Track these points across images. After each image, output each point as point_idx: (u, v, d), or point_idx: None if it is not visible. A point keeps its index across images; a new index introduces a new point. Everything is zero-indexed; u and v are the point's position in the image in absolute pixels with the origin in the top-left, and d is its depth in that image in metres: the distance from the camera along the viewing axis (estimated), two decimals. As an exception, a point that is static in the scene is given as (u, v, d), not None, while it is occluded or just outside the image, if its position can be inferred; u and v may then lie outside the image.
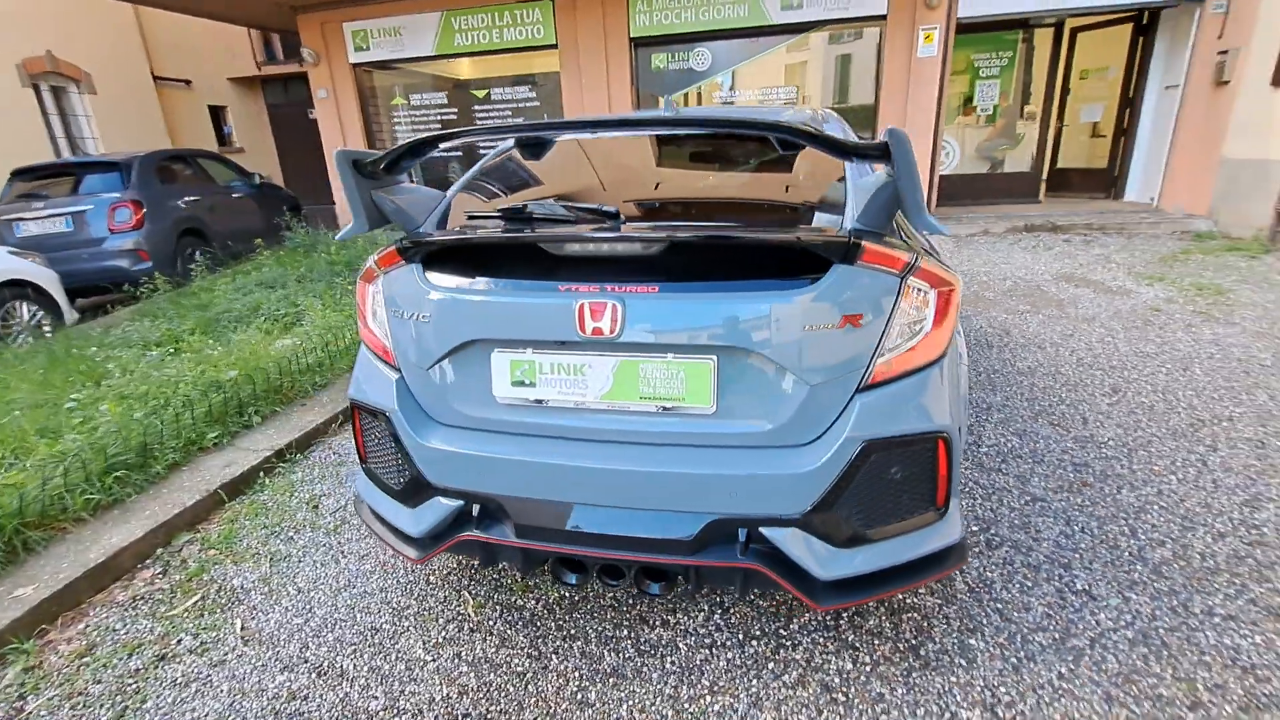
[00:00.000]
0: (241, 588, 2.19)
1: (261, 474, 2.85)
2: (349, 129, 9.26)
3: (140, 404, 2.98)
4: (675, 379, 1.55)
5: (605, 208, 1.69)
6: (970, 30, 8.04)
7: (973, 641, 1.82)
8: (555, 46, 8.28)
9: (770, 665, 1.78)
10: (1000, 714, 1.60)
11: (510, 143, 2.45)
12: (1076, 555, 2.14)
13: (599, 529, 1.61)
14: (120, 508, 2.46)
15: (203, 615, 2.07)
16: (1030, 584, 2.03)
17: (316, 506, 2.65)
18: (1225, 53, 7.08)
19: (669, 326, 1.52)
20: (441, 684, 1.78)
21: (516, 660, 1.84)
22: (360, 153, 1.70)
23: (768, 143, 2.14)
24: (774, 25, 7.86)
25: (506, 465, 1.65)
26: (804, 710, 1.64)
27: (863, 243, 1.49)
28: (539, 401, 1.65)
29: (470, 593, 2.12)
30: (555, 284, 1.59)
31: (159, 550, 2.37)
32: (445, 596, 2.11)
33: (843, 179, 1.90)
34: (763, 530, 1.54)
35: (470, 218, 1.90)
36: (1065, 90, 9.19)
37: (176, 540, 2.43)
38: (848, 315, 1.49)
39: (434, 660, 1.86)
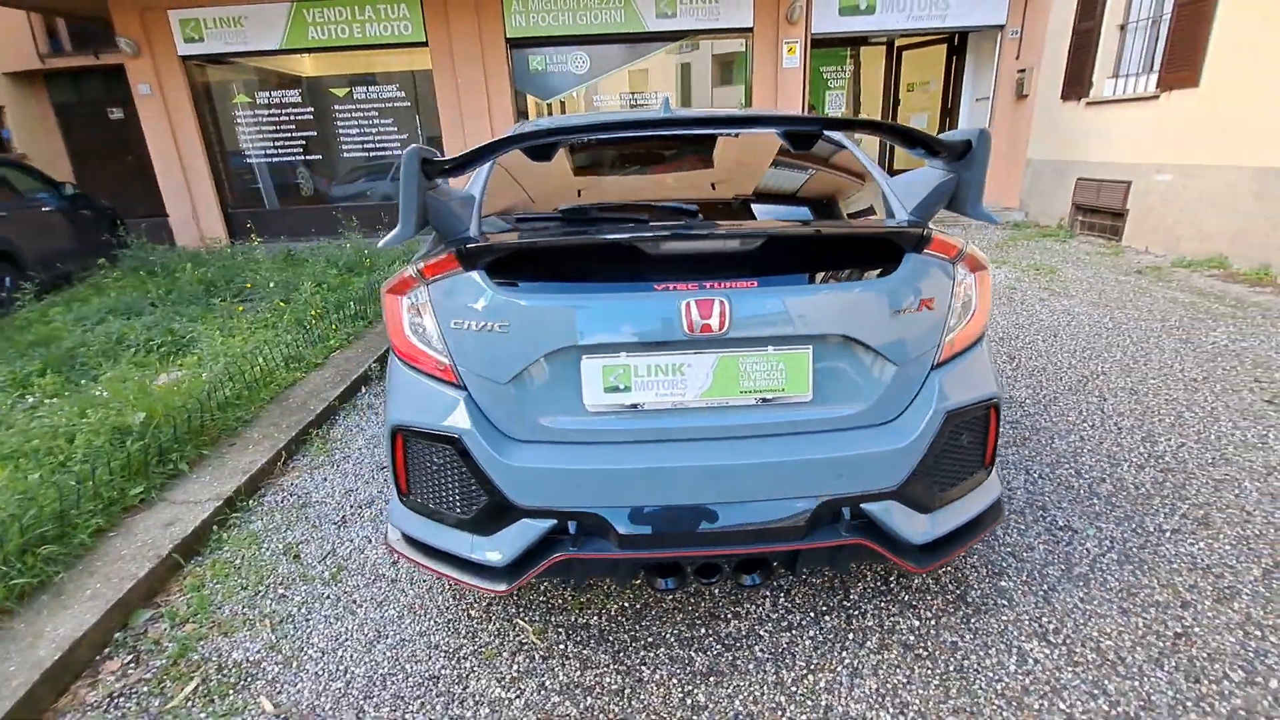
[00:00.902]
0: (249, 661, 1.87)
1: (215, 528, 2.44)
2: (181, 130, 8.08)
3: (34, 464, 2.40)
4: (775, 370, 1.59)
5: (685, 205, 1.68)
6: (819, 45, 8.85)
7: (1004, 583, 2.06)
8: (425, 44, 7.86)
9: (850, 636, 1.88)
10: (1052, 640, 1.83)
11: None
12: (1046, 498, 2.49)
13: (713, 526, 1.61)
14: (50, 590, 1.98)
15: (214, 701, 1.74)
16: (1023, 527, 2.32)
17: (298, 556, 2.32)
18: (1024, 71, 8.47)
19: (770, 320, 1.56)
20: (537, 719, 1.66)
21: (608, 679, 1.77)
22: (429, 150, 1.54)
23: (780, 141, 2.23)
24: (650, 32, 8.10)
25: (607, 476, 1.58)
26: (899, 670, 1.75)
27: (933, 233, 1.63)
28: (634, 406, 1.61)
29: (525, 619, 1.99)
30: (650, 284, 1.55)
31: (116, 635, 1.95)
32: (497, 629, 1.96)
33: (860, 175, 2.05)
34: (864, 506, 1.63)
35: (521, 220, 1.78)
36: (896, 100, 10.44)
37: (136, 620, 2.01)
38: (924, 299, 1.63)
39: (518, 696, 1.73)
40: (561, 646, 1.89)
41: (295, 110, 8.34)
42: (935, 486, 1.68)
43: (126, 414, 2.74)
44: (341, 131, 8.39)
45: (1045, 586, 2.03)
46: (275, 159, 8.52)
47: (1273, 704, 1.60)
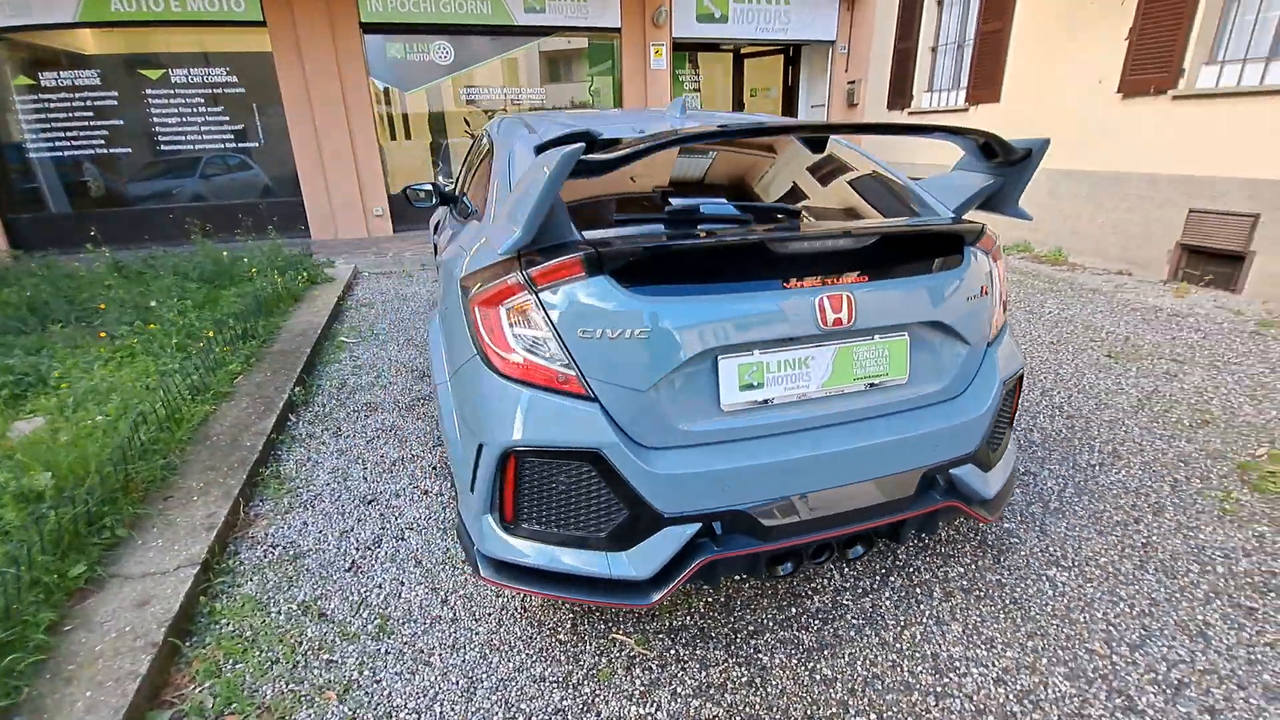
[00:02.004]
0: (331, 740, 1.61)
1: (201, 599, 2.02)
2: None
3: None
4: (881, 357, 1.73)
5: (787, 206, 1.74)
6: (677, 50, 9.26)
7: (1008, 525, 2.41)
8: (263, 24, 6.92)
9: (918, 590, 2.09)
10: (1066, 565, 2.19)
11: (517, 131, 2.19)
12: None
13: (840, 508, 1.70)
14: (25, 710, 1.52)
15: (317, 793, 1.47)
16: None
17: (323, 614, 2.01)
18: (854, 82, 9.58)
19: (881, 310, 1.69)
20: (687, 725, 1.64)
21: (734, 673, 1.80)
22: (592, 134, 1.43)
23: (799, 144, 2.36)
24: (518, 26, 7.89)
25: (749, 472, 1.60)
26: (969, 613, 1.99)
27: (986, 228, 1.87)
28: (765, 401, 1.65)
29: (620, 632, 1.93)
30: (777, 281, 1.60)
31: (136, 749, 1.55)
32: (596, 648, 1.89)
33: (884, 177, 2.25)
34: (952, 471, 1.83)
35: (618, 221, 1.72)
36: (741, 104, 11.25)
37: (154, 725, 1.62)
38: (983, 285, 1.86)
39: (656, 709, 1.69)
40: (671, 652, 1.87)
41: (95, 95, 6.88)
42: (992, 447, 1.94)
43: (27, 477, 2.15)
44: (157, 121, 7.09)
45: (1038, 523, 2.41)
46: (71, 153, 6.96)
47: (1230, 582, 2.08)
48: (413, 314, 5.25)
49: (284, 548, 2.33)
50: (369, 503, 2.61)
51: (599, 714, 1.68)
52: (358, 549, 2.32)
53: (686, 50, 9.70)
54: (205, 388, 3.32)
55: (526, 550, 1.66)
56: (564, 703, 1.71)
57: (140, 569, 2.06)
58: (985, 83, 7.28)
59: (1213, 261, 5.33)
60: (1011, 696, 1.71)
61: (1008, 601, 2.04)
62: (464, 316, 1.76)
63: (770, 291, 1.60)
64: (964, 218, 1.97)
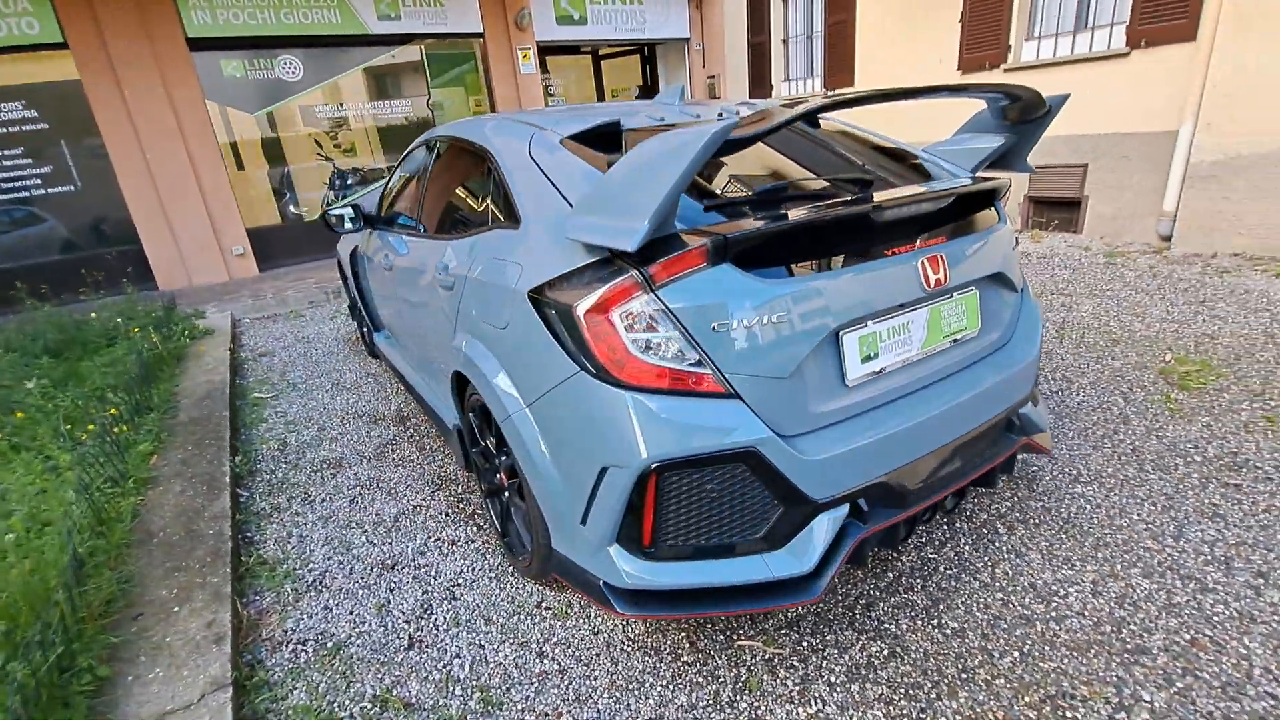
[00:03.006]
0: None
1: (250, 725, 1.64)
2: None
3: None
4: (961, 313, 1.80)
5: (861, 176, 1.74)
6: (541, 53, 9.11)
7: (1037, 463, 2.62)
8: (65, 46, 5.81)
9: (984, 531, 2.21)
10: (1091, 481, 2.42)
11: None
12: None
13: (955, 463, 1.75)
14: None
15: None
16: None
17: (408, 704, 1.72)
18: (713, 77, 9.99)
19: (963, 268, 1.75)
20: (864, 711, 1.60)
21: (871, 648, 1.78)
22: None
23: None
24: (371, 35, 7.33)
25: (884, 443, 1.60)
26: (1038, 540, 2.14)
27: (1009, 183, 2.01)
28: (879, 371, 1.64)
29: (743, 638, 1.84)
30: (882, 249, 1.61)
31: None
32: (726, 660, 1.79)
33: (894, 149, 2.31)
34: (1021, 411, 1.95)
35: (709, 208, 1.61)
36: (605, 106, 11.31)
37: None
38: (1015, 235, 2.00)
39: (823, 704, 1.63)
40: (803, 644, 1.82)
41: None
42: (1036, 384, 2.10)
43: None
44: (-74, 169, 5.69)
45: (1075, 465, 2.65)
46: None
47: (1209, 467, 2.41)
48: (325, 355, 4.69)
49: (317, 641, 1.96)
50: (391, 568, 2.28)
51: (770, 725, 1.59)
52: (408, 622, 2.02)
53: (546, 54, 9.56)
54: (122, 477, 2.72)
55: (672, 573, 1.53)
56: (730, 726, 1.60)
57: (151, 709, 1.63)
58: (839, 69, 7.91)
59: (1055, 209, 6.20)
60: (1113, 603, 1.85)
61: (1061, 522, 2.21)
62: (542, 332, 1.58)
63: (880, 260, 1.59)
64: (987, 175, 2.10)
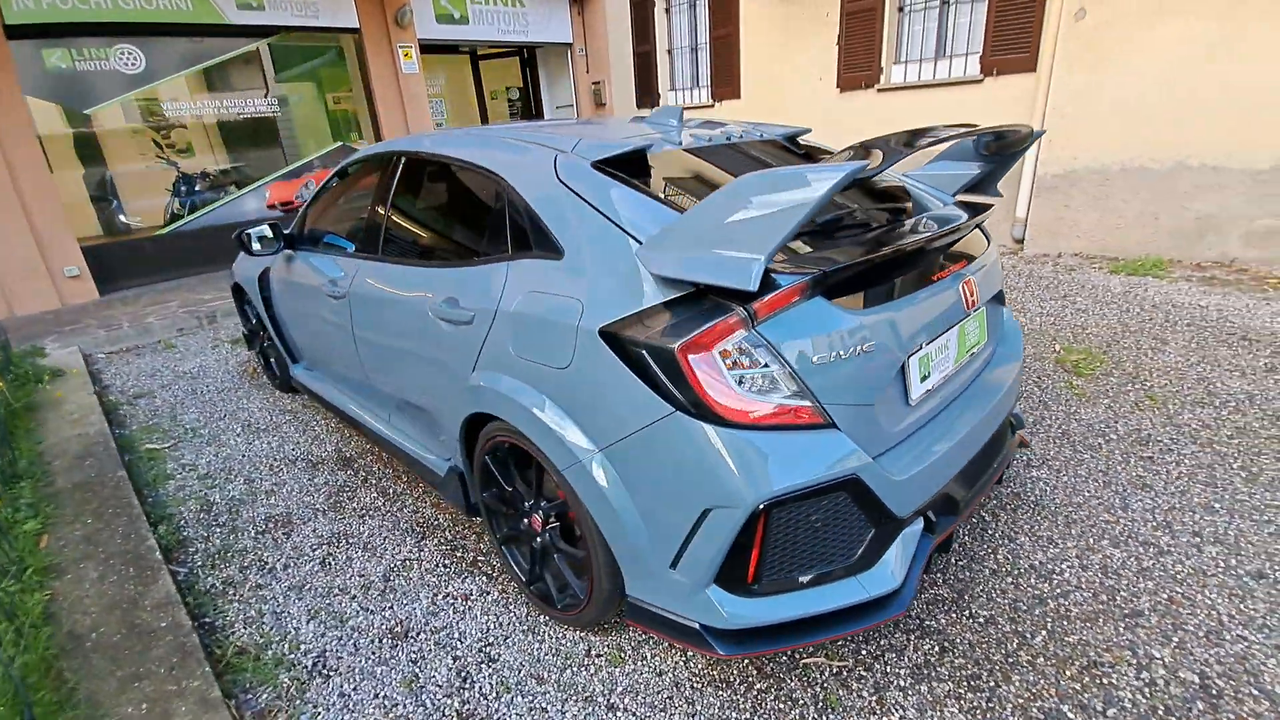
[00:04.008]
0: None
1: None
2: None
3: None
4: (976, 328, 1.97)
5: (899, 205, 1.83)
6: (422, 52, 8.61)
7: (978, 447, 2.91)
8: None
9: (974, 554, 2.43)
10: (1060, 464, 2.74)
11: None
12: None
13: (989, 465, 1.91)
14: None
15: None
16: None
17: (483, 787, 1.56)
18: (598, 83, 10.00)
19: (982, 287, 1.91)
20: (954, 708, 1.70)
21: (924, 645, 1.89)
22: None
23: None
24: (230, 25, 6.51)
25: (945, 455, 1.70)
26: (1022, 555, 2.39)
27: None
28: (931, 390, 1.75)
29: (807, 657, 1.88)
30: (929, 274, 1.71)
31: None
32: (798, 682, 1.81)
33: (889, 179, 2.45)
34: (1013, 411, 2.18)
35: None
36: (485, 108, 10.94)
37: None
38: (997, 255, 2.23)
39: (901, 710, 1.71)
40: (860, 654, 1.89)
41: None
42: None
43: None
44: None
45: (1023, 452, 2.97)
46: None
47: (1139, 440, 2.83)
48: (220, 393, 4.10)
49: (349, 733, 1.72)
50: (405, 636, 2.05)
51: (863, 740, 1.64)
52: (449, 695, 1.83)
53: (423, 52, 9.05)
54: (18, 568, 2.19)
55: (774, 608, 1.53)
56: (825, 747, 1.63)
57: None
58: (725, 81, 8.26)
59: (927, 214, 6.93)
60: (1099, 574, 2.12)
61: (1032, 506, 2.49)
62: (622, 372, 1.51)
63: (935, 285, 1.70)
64: (950, 203, 2.30)
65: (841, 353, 1.47)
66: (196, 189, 7.16)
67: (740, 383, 1.43)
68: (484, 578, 2.29)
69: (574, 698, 1.80)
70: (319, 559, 2.45)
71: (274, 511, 2.78)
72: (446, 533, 2.57)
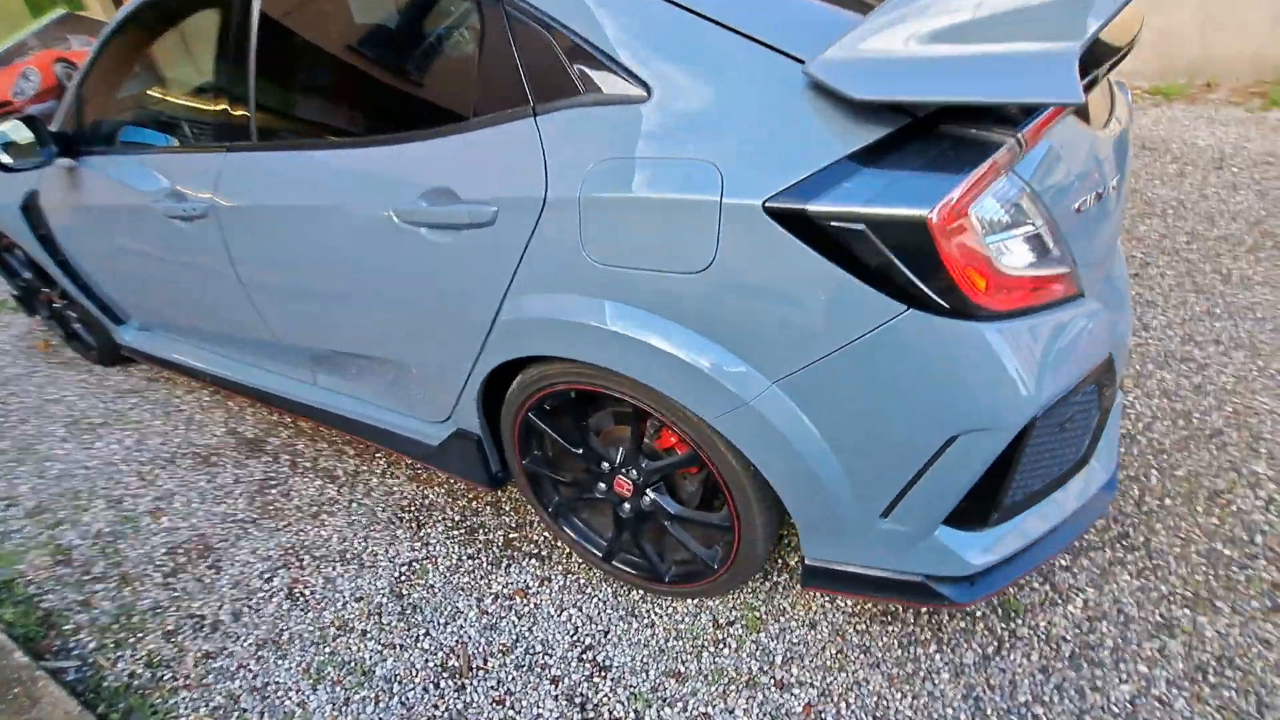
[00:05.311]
0: None
1: None
2: None
3: None
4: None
5: None
6: None
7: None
8: None
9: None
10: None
11: None
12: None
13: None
14: None
15: None
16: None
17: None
18: None
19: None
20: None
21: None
22: None
23: None
24: None
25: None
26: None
27: None
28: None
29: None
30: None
31: None
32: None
33: None
34: None
35: None
36: None
37: None
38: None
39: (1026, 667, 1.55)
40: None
41: None
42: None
43: None
44: None
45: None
46: None
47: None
48: (2, 384, 2.89)
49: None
50: (469, 669, 1.52)
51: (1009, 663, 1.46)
52: (570, 730, 1.37)
53: None
54: None
55: (1012, 535, 1.22)
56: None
57: None
58: None
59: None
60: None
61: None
62: (813, 265, 1.00)
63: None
64: None
65: (1098, 193, 1.08)
66: None
67: (1000, 251, 0.99)
68: (533, 560, 1.78)
69: (733, 687, 1.42)
70: (281, 590, 1.77)
71: (176, 539, 1.98)
72: (448, 511, 1.97)
